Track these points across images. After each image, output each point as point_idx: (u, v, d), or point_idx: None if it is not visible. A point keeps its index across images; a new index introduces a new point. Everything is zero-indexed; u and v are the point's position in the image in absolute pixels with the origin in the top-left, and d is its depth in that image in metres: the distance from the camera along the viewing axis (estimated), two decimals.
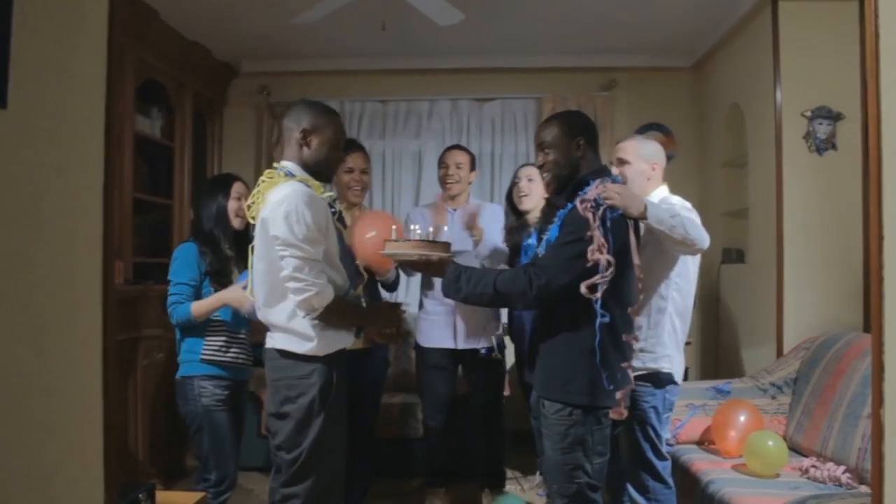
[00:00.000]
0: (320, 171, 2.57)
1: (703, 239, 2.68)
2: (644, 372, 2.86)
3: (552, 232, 2.48)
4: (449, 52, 5.50)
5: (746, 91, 4.78)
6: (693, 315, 5.36)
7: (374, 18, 4.36)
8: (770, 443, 3.12)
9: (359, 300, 2.68)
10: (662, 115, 5.74)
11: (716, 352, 5.32)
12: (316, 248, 2.37)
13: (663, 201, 2.97)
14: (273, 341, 2.50)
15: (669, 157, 5.63)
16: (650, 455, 2.91)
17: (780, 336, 4.18)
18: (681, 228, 2.57)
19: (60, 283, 1.14)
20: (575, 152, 2.50)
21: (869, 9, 1.30)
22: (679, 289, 2.98)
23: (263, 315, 2.52)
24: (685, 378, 4.90)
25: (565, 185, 2.53)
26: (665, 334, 2.95)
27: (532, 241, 3.19)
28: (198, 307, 3.01)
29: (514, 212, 3.77)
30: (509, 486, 4.17)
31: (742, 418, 3.41)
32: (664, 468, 2.94)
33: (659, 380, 2.91)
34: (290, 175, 2.48)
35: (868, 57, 1.31)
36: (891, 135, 1.24)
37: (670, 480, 2.95)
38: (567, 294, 2.32)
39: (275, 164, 2.57)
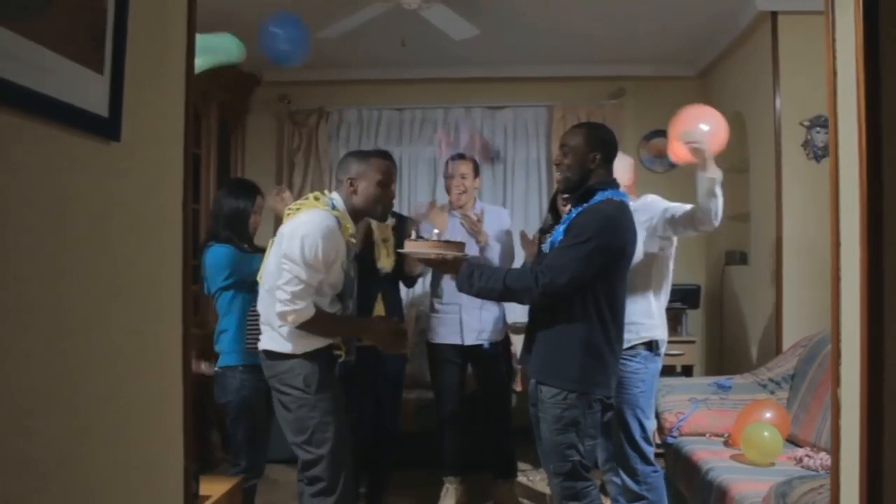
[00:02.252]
0: (370, 210, 2.86)
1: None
2: (640, 341, 3.19)
3: (556, 234, 2.73)
4: (463, 62, 5.70)
5: (748, 100, 4.98)
6: (698, 314, 5.61)
7: (391, 32, 4.58)
8: (766, 433, 3.32)
9: (350, 314, 2.89)
10: (668, 123, 5.92)
11: (720, 349, 5.53)
12: (312, 275, 2.61)
13: (646, 205, 3.29)
14: (262, 343, 2.79)
15: (674, 165, 5.88)
16: (639, 438, 3.17)
17: (780, 334, 4.39)
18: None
19: (154, 282, 1.38)
20: (589, 164, 2.73)
21: (828, 49, 1.52)
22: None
23: (264, 315, 2.79)
24: (690, 373, 5.15)
25: (574, 188, 2.77)
26: (650, 305, 3.28)
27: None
28: None
29: (555, 216, 3.97)
30: (519, 478, 4.39)
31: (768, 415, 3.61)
32: (651, 452, 3.21)
33: (653, 347, 3.23)
34: (332, 207, 2.74)
35: (828, 92, 1.54)
36: (845, 159, 1.46)
37: (657, 464, 3.20)
38: (569, 292, 2.55)
39: (327, 192, 2.84)
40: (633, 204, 3.27)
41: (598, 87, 5.88)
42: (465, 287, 2.75)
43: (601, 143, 2.76)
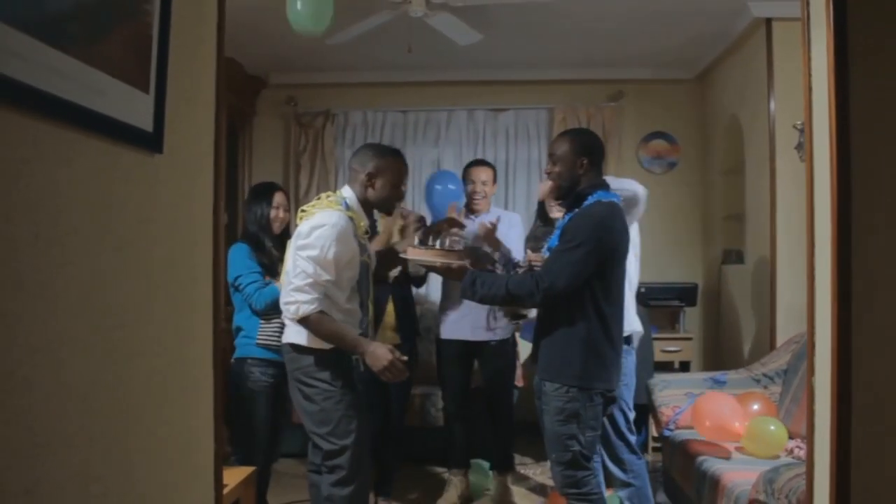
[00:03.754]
0: (381, 206, 2.97)
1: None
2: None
3: (552, 240, 2.87)
4: (466, 65, 5.84)
5: (743, 103, 5.11)
6: (696, 311, 5.75)
7: (396, 37, 4.71)
8: (772, 427, 3.45)
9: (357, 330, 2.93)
10: (667, 125, 6.06)
11: (716, 345, 5.67)
12: (320, 273, 2.70)
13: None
14: (287, 336, 2.87)
15: (673, 164, 6.03)
16: (624, 429, 3.33)
17: (774, 331, 4.52)
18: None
19: (189, 279, 1.51)
20: (578, 169, 2.85)
21: (805, 66, 1.66)
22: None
23: (285, 311, 2.84)
24: (687, 369, 5.29)
25: (566, 195, 2.91)
26: (628, 301, 3.34)
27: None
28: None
29: (544, 220, 4.11)
30: (521, 471, 4.53)
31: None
32: (636, 441, 3.38)
33: (630, 341, 3.36)
34: (345, 206, 2.84)
35: (804, 105, 1.67)
36: (819, 170, 1.60)
37: (640, 453, 3.36)
38: (568, 293, 2.69)
39: (341, 190, 2.93)
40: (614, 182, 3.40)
41: (597, 90, 6.01)
42: (469, 294, 2.88)
43: (588, 148, 2.87)
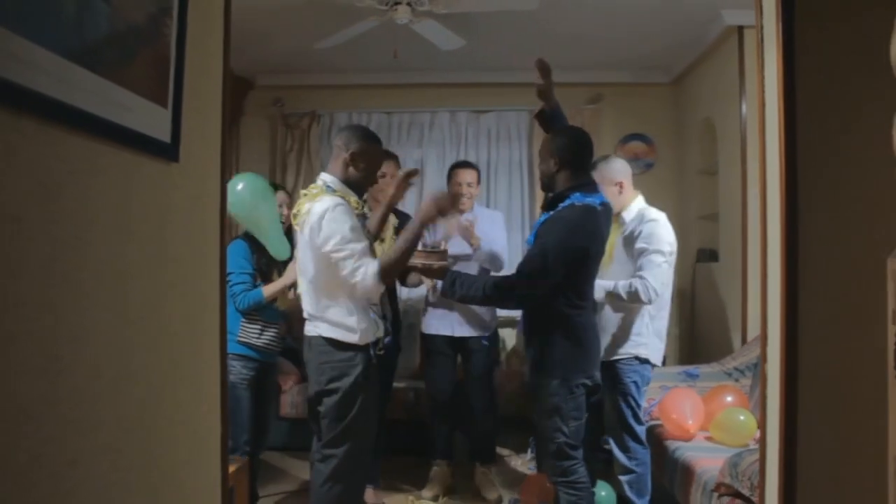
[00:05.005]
0: (358, 188, 3.01)
1: (651, 296, 3.35)
2: (627, 356, 3.48)
3: (529, 238, 3.04)
4: (449, 68, 5.98)
5: (717, 107, 5.30)
6: (671, 308, 5.92)
7: (382, 41, 4.84)
8: (741, 417, 3.61)
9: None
10: (644, 126, 6.24)
11: (691, 340, 5.85)
12: (353, 241, 2.77)
13: (640, 215, 3.51)
14: (318, 329, 2.90)
15: (650, 165, 6.20)
16: (630, 420, 3.50)
17: (745, 326, 4.71)
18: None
19: (199, 277, 1.66)
20: (552, 168, 2.99)
21: (759, 85, 1.82)
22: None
23: (315, 312, 2.91)
24: (663, 364, 5.46)
25: (547, 189, 3.09)
26: (643, 326, 3.53)
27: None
28: (268, 289, 3.49)
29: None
30: (503, 462, 4.69)
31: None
32: (642, 431, 3.54)
33: (640, 360, 3.51)
34: (329, 189, 2.91)
35: (758, 119, 1.84)
36: (771, 175, 1.77)
37: (645, 442, 3.53)
38: (542, 294, 2.85)
39: (320, 175, 3.01)
40: (634, 207, 3.56)
41: (577, 93, 6.14)
42: (449, 294, 3.04)
43: (560, 149, 2.99)
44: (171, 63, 1.46)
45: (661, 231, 3.46)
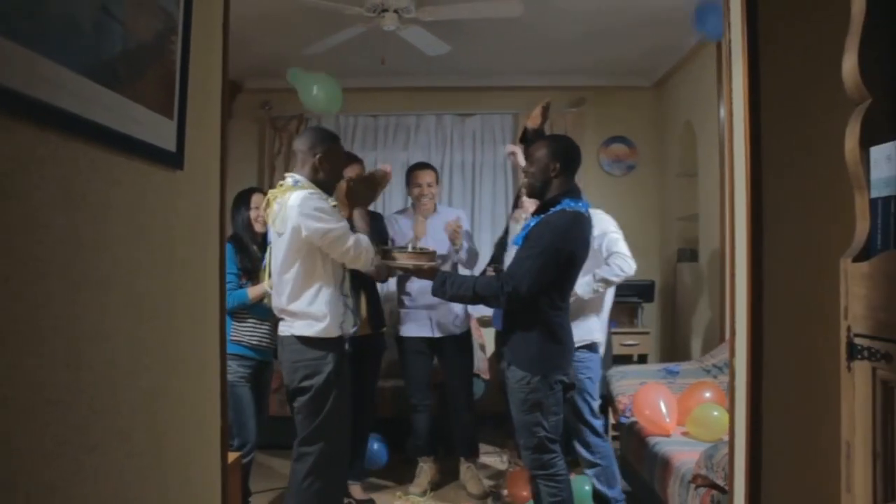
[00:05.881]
0: (328, 187, 3.14)
1: (631, 264, 3.69)
2: (583, 343, 3.65)
3: (517, 239, 3.12)
4: (434, 72, 6.08)
5: (696, 110, 5.43)
6: (653, 307, 6.06)
7: (369, 46, 4.93)
8: (715, 413, 3.74)
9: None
10: (626, 129, 6.37)
11: (672, 338, 5.99)
12: (335, 222, 2.95)
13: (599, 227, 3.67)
14: (291, 329, 3.04)
15: (631, 167, 6.34)
16: (588, 416, 3.66)
17: (723, 324, 4.84)
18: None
19: (202, 277, 1.76)
20: (550, 173, 3.06)
21: (727, 98, 1.95)
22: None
23: (285, 306, 3.04)
24: (645, 361, 5.59)
25: (537, 194, 3.14)
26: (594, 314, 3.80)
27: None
28: (254, 291, 3.58)
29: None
30: (484, 458, 4.81)
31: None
32: (600, 426, 3.70)
33: (594, 348, 3.74)
34: (297, 184, 3.03)
35: (727, 128, 1.96)
36: (738, 182, 1.89)
37: (605, 436, 3.67)
38: (530, 296, 2.94)
39: (286, 175, 3.13)
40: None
41: (560, 96, 6.25)
42: (440, 294, 3.12)
43: (563, 155, 3.08)
44: (177, 77, 1.56)
45: (603, 217, 3.78)
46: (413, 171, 4.44)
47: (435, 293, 3.15)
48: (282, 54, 5.63)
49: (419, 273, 3.23)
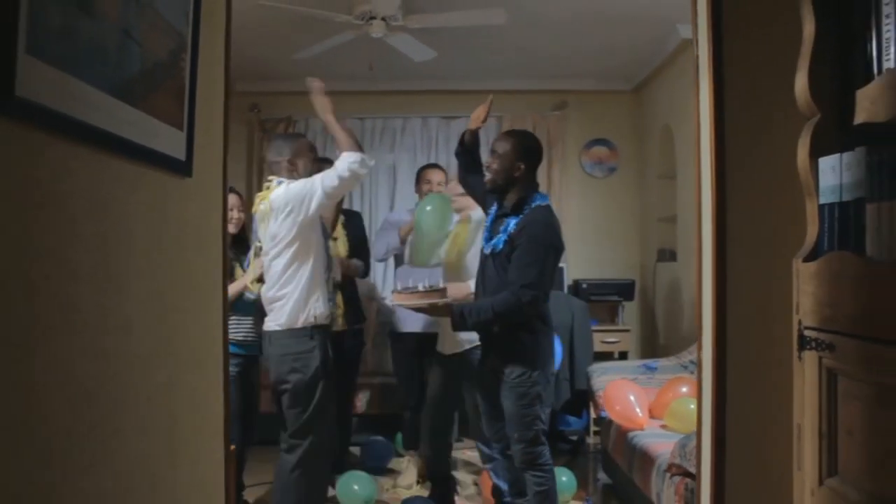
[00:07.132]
0: None
1: None
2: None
3: (498, 240, 3.08)
4: (420, 76, 6.15)
5: (675, 114, 5.57)
6: (633, 306, 6.20)
7: (356, 52, 5.04)
8: (691, 406, 3.88)
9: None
10: (607, 132, 6.51)
11: (651, 336, 6.15)
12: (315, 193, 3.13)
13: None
14: (278, 322, 3.14)
15: (612, 169, 6.48)
16: None
17: (700, 322, 4.99)
18: None
19: (208, 277, 1.88)
20: (514, 171, 3.10)
21: (695, 107, 2.10)
22: None
23: (277, 293, 3.15)
24: (625, 358, 5.74)
25: (499, 190, 3.15)
26: None
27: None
28: (232, 288, 3.62)
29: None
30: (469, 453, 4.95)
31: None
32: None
33: None
34: (281, 185, 3.20)
35: (696, 139, 2.12)
36: (705, 188, 2.04)
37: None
38: (546, 297, 3.03)
39: (271, 178, 3.30)
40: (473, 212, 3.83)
41: (543, 100, 6.42)
42: (461, 327, 3.10)
43: (527, 153, 3.13)
44: (186, 91, 1.69)
45: None
46: (423, 170, 4.62)
47: (456, 328, 3.11)
48: (271, 58, 5.72)
49: (434, 311, 3.19)
